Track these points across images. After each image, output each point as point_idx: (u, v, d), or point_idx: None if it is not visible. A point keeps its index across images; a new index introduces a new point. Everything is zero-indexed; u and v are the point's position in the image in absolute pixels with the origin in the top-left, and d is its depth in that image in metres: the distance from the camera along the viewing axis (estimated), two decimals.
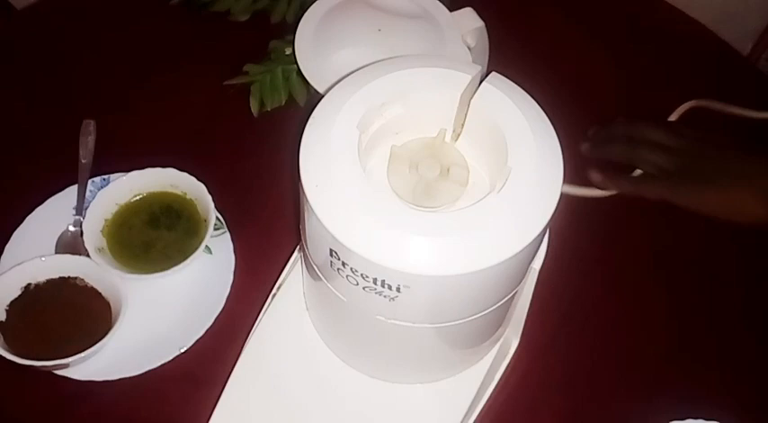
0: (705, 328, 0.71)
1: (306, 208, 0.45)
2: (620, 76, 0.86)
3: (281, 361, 0.61)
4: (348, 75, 0.49)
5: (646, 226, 0.76)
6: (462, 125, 0.49)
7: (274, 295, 0.65)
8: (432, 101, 0.48)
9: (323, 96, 0.48)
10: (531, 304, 0.60)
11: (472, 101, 0.48)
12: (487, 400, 0.64)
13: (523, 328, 0.68)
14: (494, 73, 0.49)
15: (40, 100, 0.83)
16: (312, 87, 0.68)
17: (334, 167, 0.44)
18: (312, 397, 0.59)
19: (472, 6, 0.71)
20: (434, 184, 0.48)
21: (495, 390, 0.64)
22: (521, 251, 0.44)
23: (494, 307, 0.50)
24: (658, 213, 0.74)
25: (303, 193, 0.45)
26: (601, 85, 0.85)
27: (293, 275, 0.64)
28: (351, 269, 0.45)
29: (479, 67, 0.49)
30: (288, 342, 0.61)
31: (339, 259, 0.45)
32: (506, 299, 0.50)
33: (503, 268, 0.44)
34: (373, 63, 0.50)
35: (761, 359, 0.70)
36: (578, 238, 0.73)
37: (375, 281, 0.44)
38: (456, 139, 0.50)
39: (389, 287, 0.44)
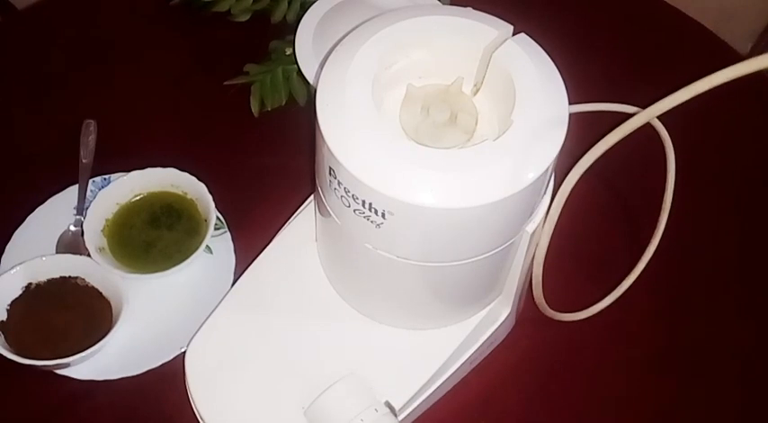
0: (705, 327, 0.71)
1: (316, 125, 0.47)
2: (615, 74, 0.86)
3: (279, 287, 0.62)
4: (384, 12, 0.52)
5: (638, 231, 0.76)
6: (483, 79, 0.50)
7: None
8: (457, 50, 0.50)
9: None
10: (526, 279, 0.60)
11: (493, 55, 0.49)
12: (469, 366, 0.64)
13: (519, 316, 0.68)
14: (522, 34, 0.50)
15: (40, 100, 0.83)
16: (312, 87, 0.68)
17: (347, 90, 0.46)
18: (300, 325, 0.60)
19: (472, 7, 0.71)
20: (441, 128, 0.49)
21: (476, 356, 0.64)
22: (502, 200, 0.44)
23: (479, 257, 0.50)
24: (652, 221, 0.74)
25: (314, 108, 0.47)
26: (602, 81, 0.85)
27: (309, 208, 0.65)
28: (344, 189, 0.46)
29: (510, 26, 0.50)
30: (291, 269, 0.62)
31: (336, 178, 0.47)
32: (493, 252, 0.50)
33: (485, 213, 0.45)
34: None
35: (761, 359, 0.70)
36: (578, 236, 0.73)
37: (363, 203, 0.46)
38: (476, 93, 0.51)
39: (375, 212, 0.46)
